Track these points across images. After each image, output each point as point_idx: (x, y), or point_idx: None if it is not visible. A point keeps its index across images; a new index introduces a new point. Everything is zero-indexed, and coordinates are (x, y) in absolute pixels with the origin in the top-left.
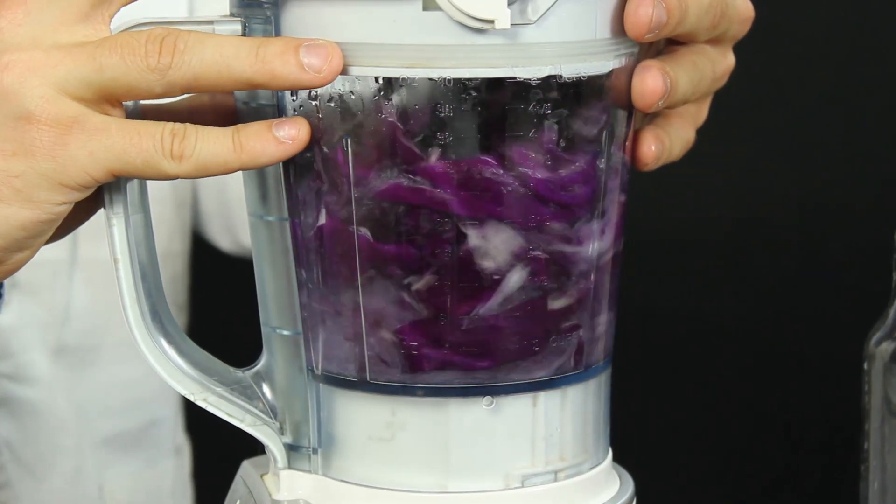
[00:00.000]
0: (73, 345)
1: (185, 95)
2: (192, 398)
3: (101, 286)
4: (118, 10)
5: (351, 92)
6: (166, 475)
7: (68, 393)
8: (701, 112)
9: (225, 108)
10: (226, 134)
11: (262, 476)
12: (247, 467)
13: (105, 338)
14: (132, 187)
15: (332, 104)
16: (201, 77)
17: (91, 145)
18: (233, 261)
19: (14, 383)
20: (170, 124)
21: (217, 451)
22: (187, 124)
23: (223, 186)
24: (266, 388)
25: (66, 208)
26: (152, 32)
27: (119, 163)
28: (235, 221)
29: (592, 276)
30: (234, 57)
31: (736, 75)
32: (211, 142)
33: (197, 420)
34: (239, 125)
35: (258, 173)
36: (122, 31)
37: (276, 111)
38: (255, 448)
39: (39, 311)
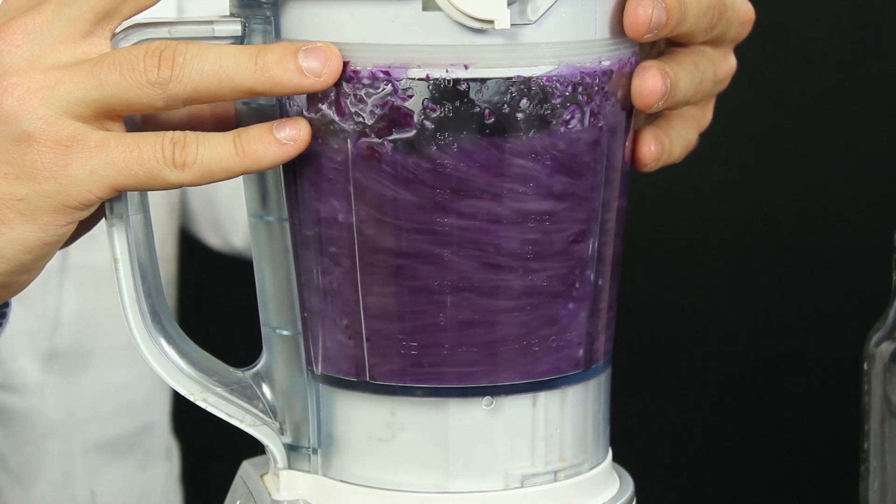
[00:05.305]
0: (64, 351)
1: None
2: (191, 398)
3: (92, 291)
4: (119, 24)
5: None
6: (157, 478)
7: (59, 399)
8: (705, 115)
9: (224, 113)
10: (227, 138)
11: (262, 476)
12: (247, 467)
13: (96, 343)
14: None
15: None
16: (202, 89)
17: (92, 164)
18: (221, 263)
19: (3, 391)
20: (169, 133)
21: (205, 452)
22: (187, 131)
23: (210, 186)
24: (266, 389)
25: (71, 228)
26: (150, 46)
27: (121, 177)
28: (223, 221)
29: (592, 276)
30: (233, 67)
31: (737, 76)
32: (213, 147)
33: (184, 422)
34: (239, 129)
35: (258, 174)
36: (120, 48)
37: (280, 111)
38: (243, 449)
39: (30, 317)
